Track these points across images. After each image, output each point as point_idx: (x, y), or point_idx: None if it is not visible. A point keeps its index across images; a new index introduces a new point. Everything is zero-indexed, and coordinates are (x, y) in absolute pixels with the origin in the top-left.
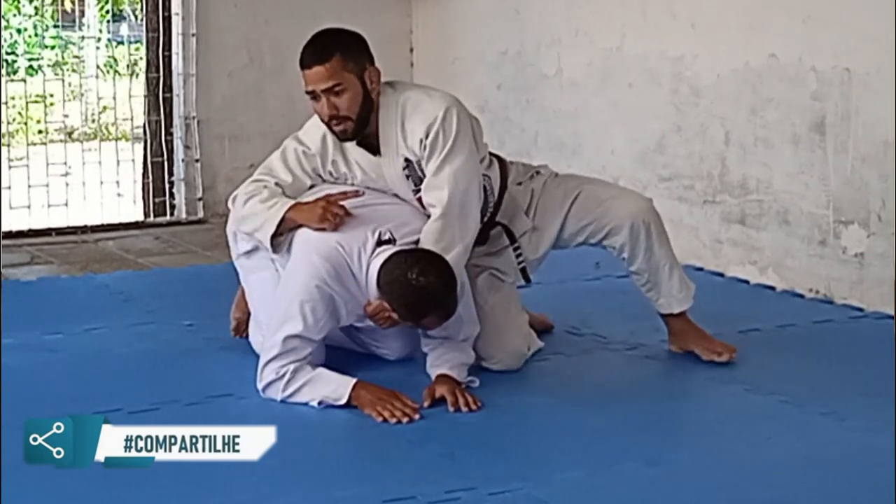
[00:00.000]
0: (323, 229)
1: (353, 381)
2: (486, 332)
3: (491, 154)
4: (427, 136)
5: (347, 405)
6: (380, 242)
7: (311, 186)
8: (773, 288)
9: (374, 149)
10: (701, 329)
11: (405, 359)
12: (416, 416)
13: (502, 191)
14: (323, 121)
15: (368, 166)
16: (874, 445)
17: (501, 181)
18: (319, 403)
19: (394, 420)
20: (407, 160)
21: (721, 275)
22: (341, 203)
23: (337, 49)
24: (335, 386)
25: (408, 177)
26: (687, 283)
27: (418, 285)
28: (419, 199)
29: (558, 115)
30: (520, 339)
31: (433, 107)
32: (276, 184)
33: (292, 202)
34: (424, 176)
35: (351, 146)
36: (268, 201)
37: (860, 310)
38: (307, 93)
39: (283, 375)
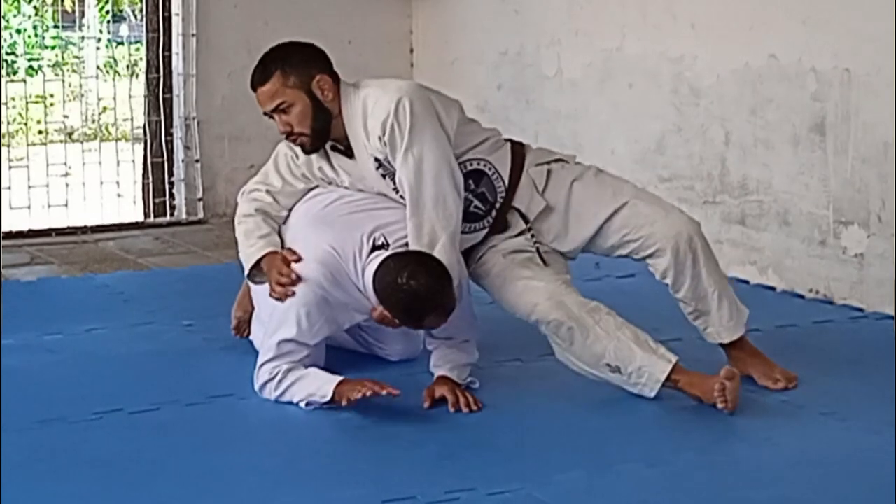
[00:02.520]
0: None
1: (338, 378)
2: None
3: (510, 141)
4: (384, 133)
5: (340, 406)
6: (374, 248)
7: (311, 189)
8: (773, 288)
9: (350, 153)
10: (761, 353)
11: (406, 360)
12: (383, 392)
13: (518, 175)
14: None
15: (350, 170)
16: (874, 445)
17: (517, 165)
18: (308, 405)
19: (359, 395)
20: (377, 159)
21: None
22: (284, 271)
23: (277, 66)
24: (320, 384)
25: (384, 176)
26: (738, 309)
27: (410, 290)
28: (402, 196)
29: (558, 115)
30: (521, 301)
31: (386, 100)
32: (268, 191)
33: (266, 250)
34: None
35: (332, 152)
36: (249, 238)
37: (860, 310)
38: (263, 113)
39: (276, 376)
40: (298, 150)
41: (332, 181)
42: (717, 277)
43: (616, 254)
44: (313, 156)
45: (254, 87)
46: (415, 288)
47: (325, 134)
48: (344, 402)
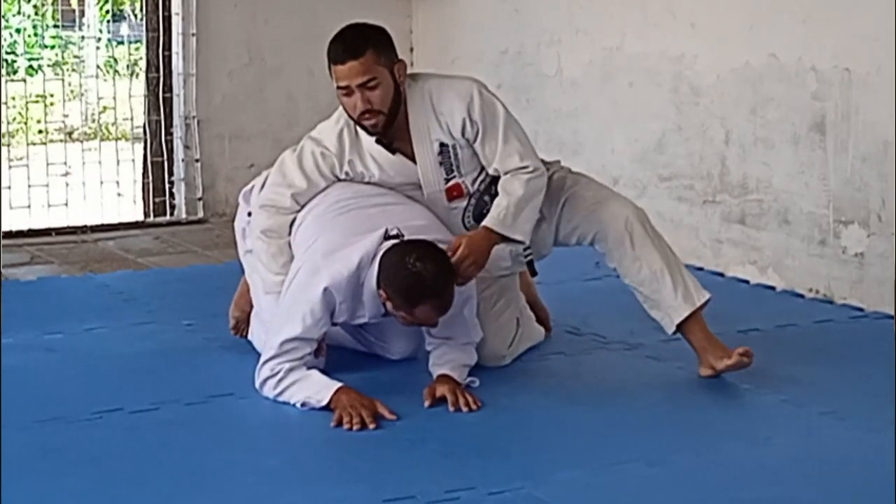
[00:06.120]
0: None
1: (337, 385)
2: None
3: None
4: (470, 115)
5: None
6: (387, 237)
7: (326, 188)
8: (773, 288)
9: (391, 147)
10: (715, 340)
11: (407, 359)
12: (372, 426)
13: None
14: (351, 116)
15: (386, 163)
16: (874, 445)
17: None
18: (303, 405)
19: (347, 427)
20: (442, 145)
21: (721, 275)
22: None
23: (369, 44)
24: (319, 388)
25: (441, 164)
26: (686, 286)
27: (414, 270)
28: (448, 189)
29: (558, 114)
30: (496, 342)
31: (463, 87)
32: (292, 194)
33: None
34: (458, 161)
35: (367, 144)
36: (275, 258)
37: (860, 310)
38: (339, 87)
39: (277, 374)
40: (329, 144)
41: (357, 175)
42: (661, 256)
43: (573, 243)
44: (346, 148)
45: (340, 61)
46: (419, 270)
47: (395, 117)
48: (333, 424)
